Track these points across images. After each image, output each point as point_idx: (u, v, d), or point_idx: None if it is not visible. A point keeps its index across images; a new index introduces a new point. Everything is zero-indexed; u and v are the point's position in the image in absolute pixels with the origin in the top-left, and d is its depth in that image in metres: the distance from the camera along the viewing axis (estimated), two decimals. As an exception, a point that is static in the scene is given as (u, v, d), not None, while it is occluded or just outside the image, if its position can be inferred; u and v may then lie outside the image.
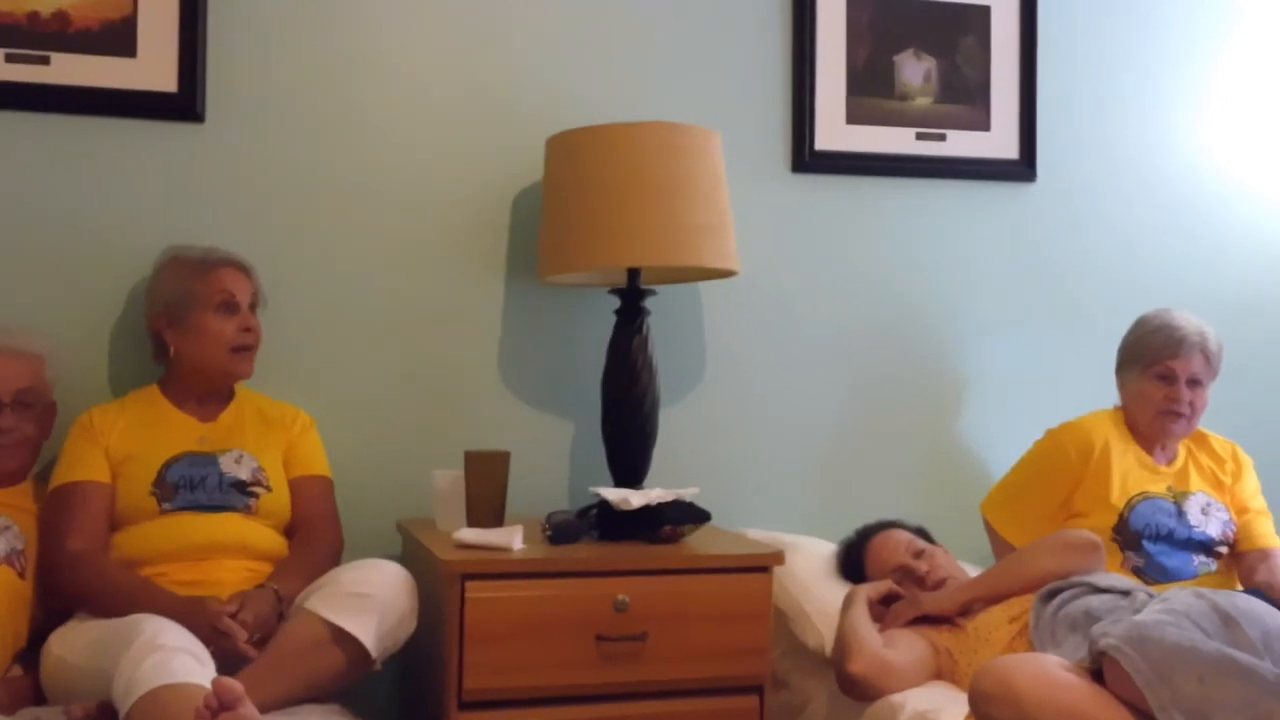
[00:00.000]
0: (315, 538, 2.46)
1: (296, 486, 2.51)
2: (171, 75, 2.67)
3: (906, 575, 2.60)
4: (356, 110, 2.80)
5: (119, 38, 2.65)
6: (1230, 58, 3.35)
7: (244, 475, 2.43)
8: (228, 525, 2.38)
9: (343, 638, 2.15)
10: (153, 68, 2.66)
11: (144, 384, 2.55)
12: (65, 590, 2.29)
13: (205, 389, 2.51)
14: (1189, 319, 2.81)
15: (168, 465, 2.40)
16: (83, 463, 2.39)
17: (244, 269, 2.54)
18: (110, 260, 2.65)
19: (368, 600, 2.19)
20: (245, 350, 2.50)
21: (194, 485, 2.39)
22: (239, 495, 2.41)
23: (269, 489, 2.45)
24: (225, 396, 2.54)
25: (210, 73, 2.70)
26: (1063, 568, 2.44)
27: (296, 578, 2.30)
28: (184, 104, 2.67)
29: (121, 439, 2.41)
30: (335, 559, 2.44)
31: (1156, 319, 2.83)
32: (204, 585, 2.27)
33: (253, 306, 2.53)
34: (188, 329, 2.46)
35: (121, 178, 2.67)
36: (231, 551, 2.36)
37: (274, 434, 2.53)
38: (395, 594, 2.24)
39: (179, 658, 1.95)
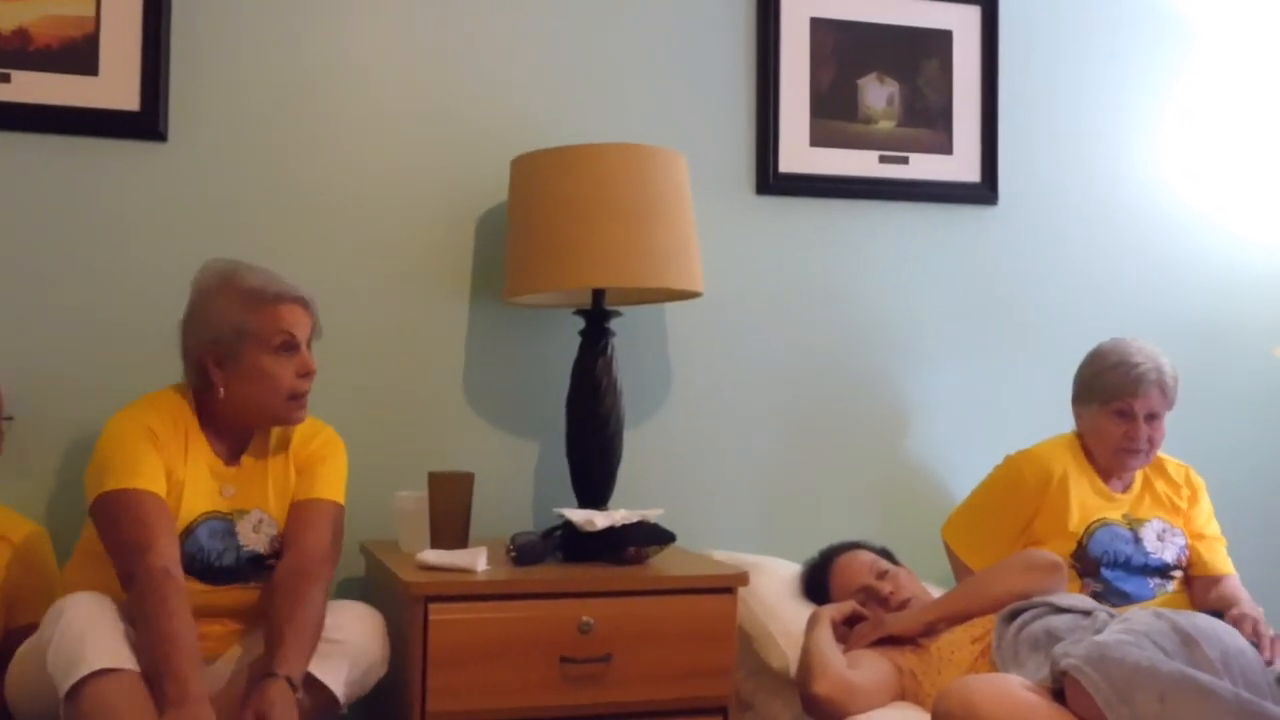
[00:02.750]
0: (310, 590, 2.17)
1: (298, 511, 2.31)
2: (134, 94, 2.66)
3: (870, 596, 2.61)
4: (320, 131, 2.79)
5: (81, 56, 2.63)
6: (1186, 85, 3.40)
7: (261, 548, 2.28)
8: (231, 596, 2.26)
9: (312, 683, 2.10)
10: (115, 86, 2.65)
11: (107, 404, 2.47)
12: (137, 607, 2.06)
13: (245, 428, 2.33)
14: (1145, 352, 2.80)
15: (189, 530, 2.22)
16: (153, 472, 2.17)
17: (304, 302, 2.31)
18: (70, 279, 2.63)
19: (339, 646, 2.16)
20: (303, 396, 2.30)
21: (209, 559, 2.23)
22: (253, 569, 2.27)
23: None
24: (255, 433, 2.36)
25: (173, 92, 2.69)
26: (1025, 588, 2.46)
27: (302, 652, 2.09)
28: (147, 123, 2.66)
29: (170, 467, 2.21)
30: (325, 601, 2.22)
31: (1114, 354, 2.81)
32: None
33: (309, 342, 2.33)
34: (240, 371, 2.25)
35: (83, 197, 2.65)
36: (223, 616, 2.26)
37: (289, 469, 2.35)
38: (367, 640, 2.22)
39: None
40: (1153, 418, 2.78)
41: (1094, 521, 2.77)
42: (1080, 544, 2.75)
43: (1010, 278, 3.24)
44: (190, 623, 2.02)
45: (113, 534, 2.14)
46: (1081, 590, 2.71)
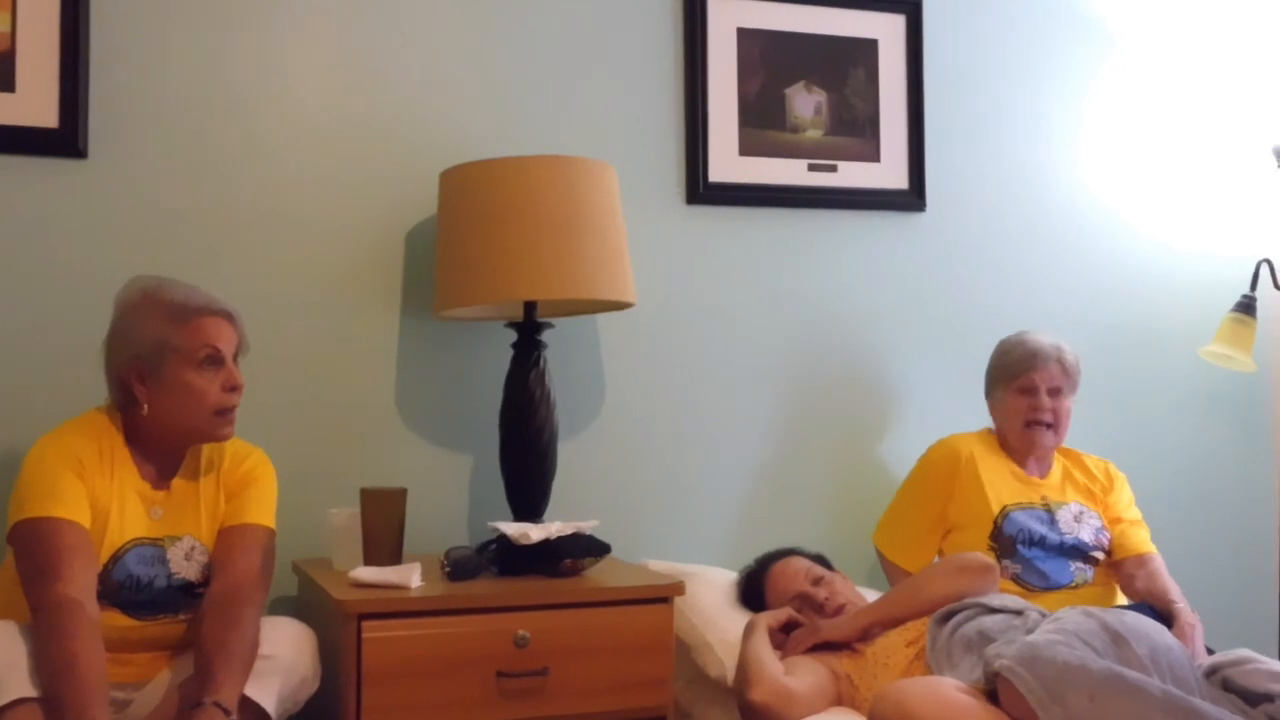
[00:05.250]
0: (242, 614, 2.13)
1: (228, 536, 2.27)
2: (52, 110, 2.61)
3: (806, 602, 2.62)
4: (245, 145, 2.76)
5: (-3, 72, 2.59)
6: (1105, 91, 3.44)
7: (193, 575, 2.23)
8: (160, 630, 2.21)
9: (243, 701, 2.06)
10: (32, 103, 2.60)
11: (28, 427, 2.41)
12: (40, 635, 2.00)
13: (172, 446, 2.28)
14: (1043, 336, 2.96)
15: (117, 558, 2.17)
16: (74, 501, 2.11)
17: (228, 316, 2.27)
18: (-11, 300, 2.59)
19: (270, 662, 2.12)
20: (229, 412, 2.26)
21: (139, 586, 2.17)
22: (184, 597, 2.22)
23: None
24: (183, 453, 2.32)
25: (93, 108, 2.64)
26: (957, 590, 2.49)
27: (235, 677, 2.04)
28: (65, 140, 2.61)
29: (95, 495, 2.16)
30: (258, 626, 2.17)
31: (1012, 339, 2.98)
32: (111, 676, 2.04)
33: (235, 357, 2.28)
34: (163, 385, 2.20)
35: (1, 214, 2.60)
36: (152, 646, 2.22)
37: (219, 494, 2.31)
38: (297, 655, 2.19)
39: None
40: (1056, 393, 2.89)
41: (1009, 503, 2.85)
42: (996, 524, 2.82)
43: (938, 284, 3.27)
44: (95, 652, 1.97)
45: (26, 561, 2.09)
46: (1002, 572, 2.76)
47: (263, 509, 2.33)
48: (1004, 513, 2.83)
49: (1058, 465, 2.96)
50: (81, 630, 1.97)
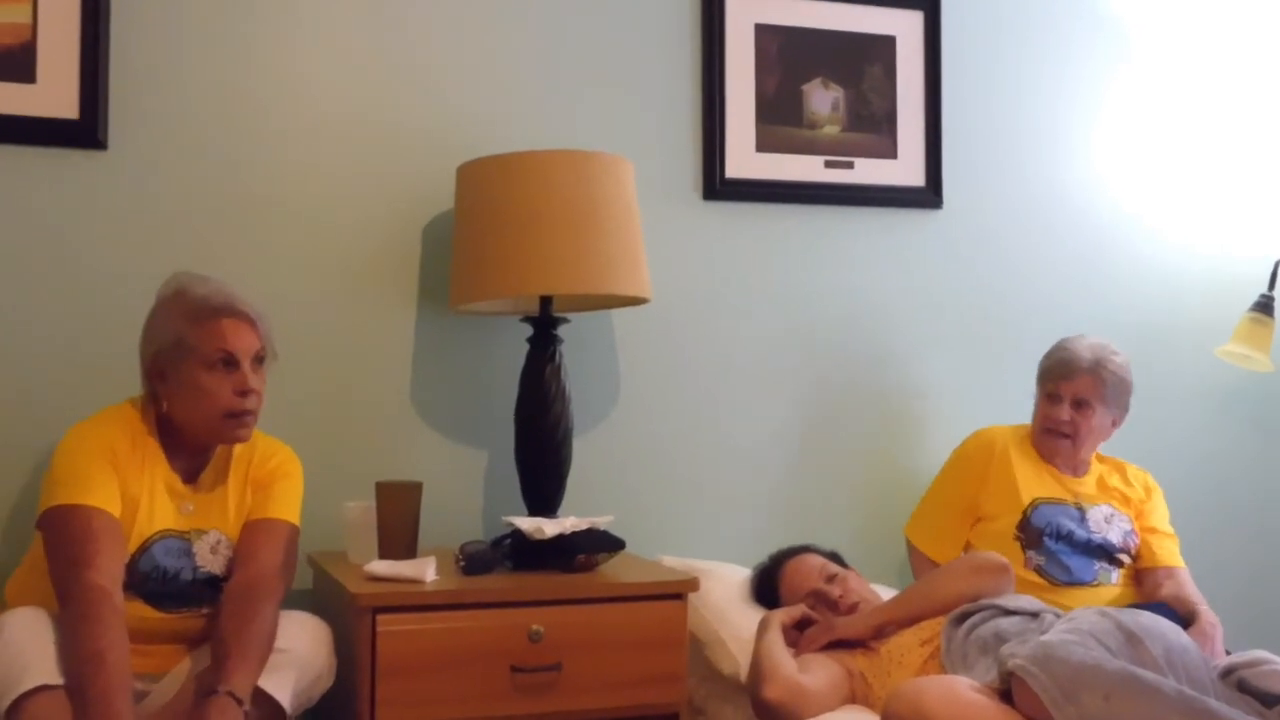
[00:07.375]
0: (261, 607, 2.14)
1: (251, 529, 2.28)
2: (73, 102, 2.61)
3: (820, 599, 2.62)
4: (264, 139, 2.76)
5: (18, 63, 2.59)
6: (1123, 89, 3.43)
7: (217, 569, 2.24)
8: (183, 623, 2.22)
9: (257, 694, 2.07)
10: (53, 94, 2.61)
11: (47, 422, 2.43)
12: (68, 623, 2.02)
13: (197, 442, 2.28)
14: (1088, 345, 2.91)
15: (144, 548, 2.18)
16: (106, 490, 2.13)
17: (249, 318, 2.25)
18: (6, 292, 2.59)
19: (285, 656, 2.13)
20: (242, 415, 2.24)
21: (165, 578, 2.19)
22: (208, 591, 2.22)
23: None
24: (211, 449, 2.33)
25: (113, 100, 2.65)
26: (973, 590, 2.48)
27: (249, 668, 2.06)
28: (86, 131, 2.62)
29: (126, 485, 2.17)
30: (276, 619, 2.19)
31: (1060, 343, 2.95)
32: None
33: (259, 360, 2.26)
34: (179, 384, 2.21)
35: (21, 206, 2.61)
36: (173, 639, 2.23)
37: (246, 490, 2.32)
38: (313, 650, 2.20)
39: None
40: (1082, 405, 2.86)
41: (1041, 496, 2.84)
42: (1025, 514, 2.83)
43: (955, 281, 3.26)
44: (121, 642, 1.99)
45: (55, 548, 2.11)
46: (1025, 564, 2.77)
47: (288, 505, 2.34)
48: (1034, 505, 2.83)
49: (1095, 469, 2.95)
50: (109, 620, 1.99)
